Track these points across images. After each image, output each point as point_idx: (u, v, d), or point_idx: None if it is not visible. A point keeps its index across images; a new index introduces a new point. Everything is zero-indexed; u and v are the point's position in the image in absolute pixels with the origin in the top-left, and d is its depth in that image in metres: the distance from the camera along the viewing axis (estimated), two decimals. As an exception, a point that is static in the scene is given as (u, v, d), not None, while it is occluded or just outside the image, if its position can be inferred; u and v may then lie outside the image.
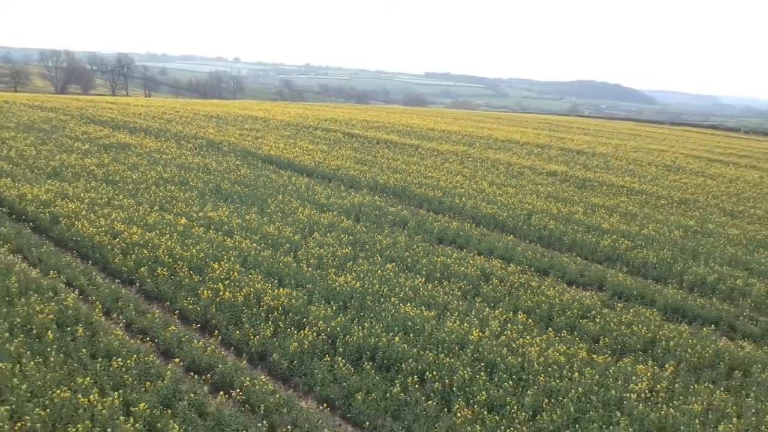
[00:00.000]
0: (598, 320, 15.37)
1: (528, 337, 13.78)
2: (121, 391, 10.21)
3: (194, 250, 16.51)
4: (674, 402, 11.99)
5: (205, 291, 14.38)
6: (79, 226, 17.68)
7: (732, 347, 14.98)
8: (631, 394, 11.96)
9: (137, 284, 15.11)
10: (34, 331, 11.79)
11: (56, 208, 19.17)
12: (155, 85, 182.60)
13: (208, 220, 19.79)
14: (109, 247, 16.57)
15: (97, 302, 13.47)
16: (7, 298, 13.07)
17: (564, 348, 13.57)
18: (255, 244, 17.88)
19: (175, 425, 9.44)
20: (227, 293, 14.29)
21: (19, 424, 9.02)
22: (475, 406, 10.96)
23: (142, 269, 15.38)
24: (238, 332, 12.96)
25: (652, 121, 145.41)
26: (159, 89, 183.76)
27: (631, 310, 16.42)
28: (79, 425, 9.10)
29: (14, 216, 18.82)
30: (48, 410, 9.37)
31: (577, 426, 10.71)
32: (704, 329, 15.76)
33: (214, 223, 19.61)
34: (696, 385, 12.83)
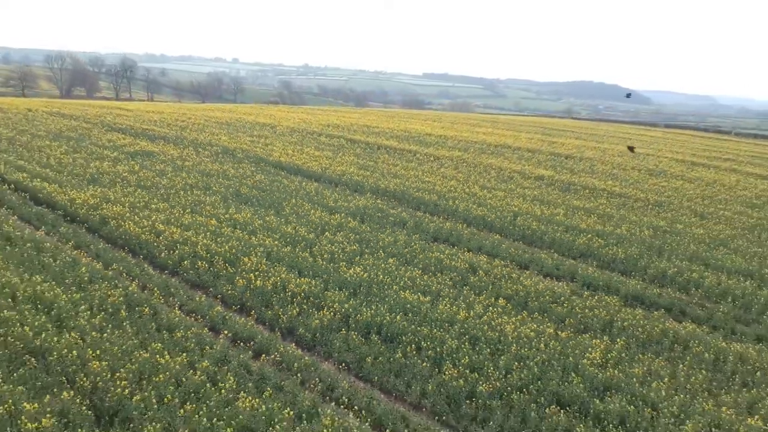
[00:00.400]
0: (566, 305, 18.42)
1: (505, 318, 16.84)
2: (185, 354, 13.23)
3: (227, 247, 19.55)
4: (620, 367, 15.04)
5: (240, 280, 17.40)
6: (126, 226, 20.72)
7: (677, 327, 18.03)
8: (586, 360, 15.00)
9: (182, 275, 18.13)
10: (110, 310, 14.81)
11: (103, 210, 22.20)
12: (157, 87, 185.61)
13: (234, 221, 22.83)
14: (154, 244, 19.61)
15: (155, 288, 16.49)
16: (81, 285, 16.07)
17: (535, 326, 16.61)
18: (276, 242, 20.93)
19: (231, 377, 12.47)
20: (258, 281, 17.31)
21: (116, 374, 12.02)
22: (460, 367, 14.00)
23: (185, 262, 18.42)
24: (269, 312, 16.01)
25: (647, 124, 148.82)
26: (161, 91, 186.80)
27: (596, 298, 19.46)
28: (160, 376, 12.12)
29: (68, 218, 21.80)
30: (135, 365, 12.39)
31: (539, 382, 13.74)
32: (656, 313, 18.82)
33: (239, 224, 22.64)
34: (641, 356, 15.88)
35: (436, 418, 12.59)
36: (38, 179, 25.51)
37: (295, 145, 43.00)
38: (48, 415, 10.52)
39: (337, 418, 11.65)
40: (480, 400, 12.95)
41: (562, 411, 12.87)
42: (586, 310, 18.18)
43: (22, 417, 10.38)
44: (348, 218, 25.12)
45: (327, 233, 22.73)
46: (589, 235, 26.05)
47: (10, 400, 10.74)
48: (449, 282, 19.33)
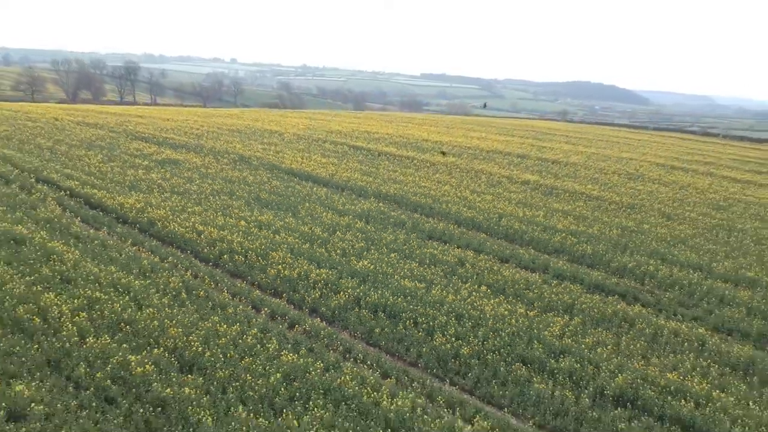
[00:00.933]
0: (536, 291, 22.52)
1: (485, 300, 20.94)
2: (237, 324, 17.31)
3: (257, 243, 23.64)
4: (574, 338, 19.13)
5: (271, 270, 21.49)
6: (171, 227, 24.79)
7: (627, 309, 22.12)
8: (547, 333, 19.09)
9: (223, 266, 22.20)
10: (173, 293, 18.88)
11: (149, 213, 26.27)
12: (160, 90, 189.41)
13: (259, 222, 26.89)
14: (197, 241, 23.68)
15: (205, 277, 20.57)
16: (146, 274, 20.14)
17: (509, 307, 20.71)
18: (296, 240, 25.00)
19: (274, 340, 16.56)
20: (286, 271, 21.41)
21: (189, 338, 16.10)
22: (447, 336, 18.08)
23: (224, 256, 22.50)
24: (297, 295, 20.10)
25: (638, 127, 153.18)
26: (164, 93, 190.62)
27: (563, 286, 23.56)
28: (221, 339, 16.21)
29: (120, 220, 25.85)
30: (202, 332, 16.47)
31: (509, 347, 17.82)
32: (611, 298, 22.93)
33: (263, 224, 26.71)
34: (593, 330, 19.99)
35: (429, 371, 16.71)
36: (88, 186, 29.57)
37: (303, 153, 47.07)
38: (147, 364, 14.58)
39: (355, 369, 15.76)
40: (462, 359, 17.05)
41: (524, 367, 16.97)
42: (553, 295, 22.29)
43: (131, 365, 14.45)
44: (355, 220, 29.21)
45: (338, 233, 26.81)
46: (564, 234, 30.15)
47: (119, 354, 14.82)
48: (441, 273, 23.43)
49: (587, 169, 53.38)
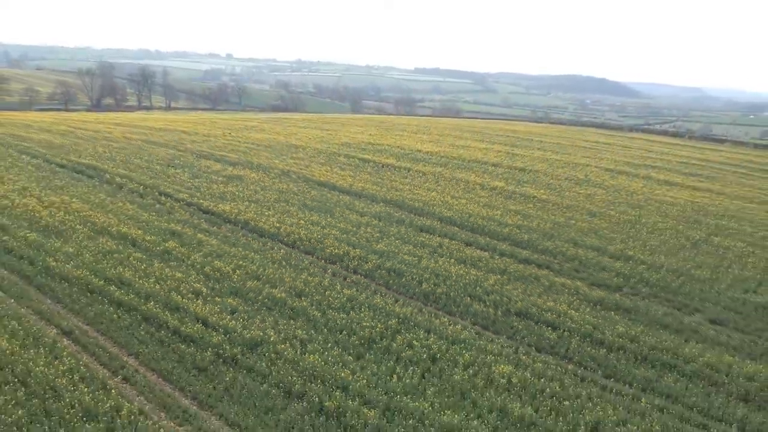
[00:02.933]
0: (484, 262, 37.65)
1: (452, 267, 36.05)
2: (317, 277, 32.39)
3: (314, 234, 38.73)
4: (500, 287, 34.24)
5: (326, 250, 36.58)
6: (260, 224, 39.83)
7: (538, 272, 37.19)
8: (486, 283, 34.19)
9: (298, 248, 37.26)
10: (278, 261, 33.90)
11: (242, 216, 41.28)
12: (173, 93, 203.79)
13: (311, 221, 41.94)
14: (278, 233, 38.76)
15: (290, 253, 35.63)
16: (258, 251, 35.14)
17: (466, 270, 35.82)
18: (337, 232, 40.07)
19: (337, 284, 31.67)
20: (335, 251, 36.54)
21: (295, 283, 31.19)
22: (431, 284, 33.23)
23: (297, 242, 37.62)
24: (344, 263, 35.26)
25: (613, 127, 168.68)
26: (177, 97, 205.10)
27: (502, 260, 38.64)
28: (312, 284, 31.32)
29: (227, 220, 40.86)
30: (300, 281, 31.58)
31: (463, 289, 32.94)
32: (530, 267, 38.03)
33: (314, 222, 41.74)
34: (513, 282, 35.09)
35: (419, 301, 31.93)
36: (195, 197, 44.60)
37: (325, 166, 62.16)
38: (279, 294, 29.67)
39: (379, 298, 30.94)
40: (437, 295, 32.23)
41: (470, 299, 32.09)
42: (494, 264, 37.43)
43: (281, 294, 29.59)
44: (372, 219, 44.28)
45: (362, 227, 41.86)
46: (512, 227, 45.22)
47: (266, 288, 29.96)
48: (427, 251, 38.58)
49: (546, 175, 68.49)
